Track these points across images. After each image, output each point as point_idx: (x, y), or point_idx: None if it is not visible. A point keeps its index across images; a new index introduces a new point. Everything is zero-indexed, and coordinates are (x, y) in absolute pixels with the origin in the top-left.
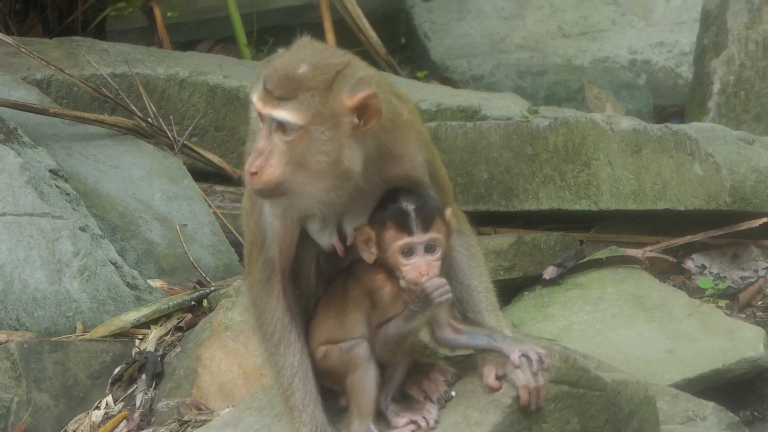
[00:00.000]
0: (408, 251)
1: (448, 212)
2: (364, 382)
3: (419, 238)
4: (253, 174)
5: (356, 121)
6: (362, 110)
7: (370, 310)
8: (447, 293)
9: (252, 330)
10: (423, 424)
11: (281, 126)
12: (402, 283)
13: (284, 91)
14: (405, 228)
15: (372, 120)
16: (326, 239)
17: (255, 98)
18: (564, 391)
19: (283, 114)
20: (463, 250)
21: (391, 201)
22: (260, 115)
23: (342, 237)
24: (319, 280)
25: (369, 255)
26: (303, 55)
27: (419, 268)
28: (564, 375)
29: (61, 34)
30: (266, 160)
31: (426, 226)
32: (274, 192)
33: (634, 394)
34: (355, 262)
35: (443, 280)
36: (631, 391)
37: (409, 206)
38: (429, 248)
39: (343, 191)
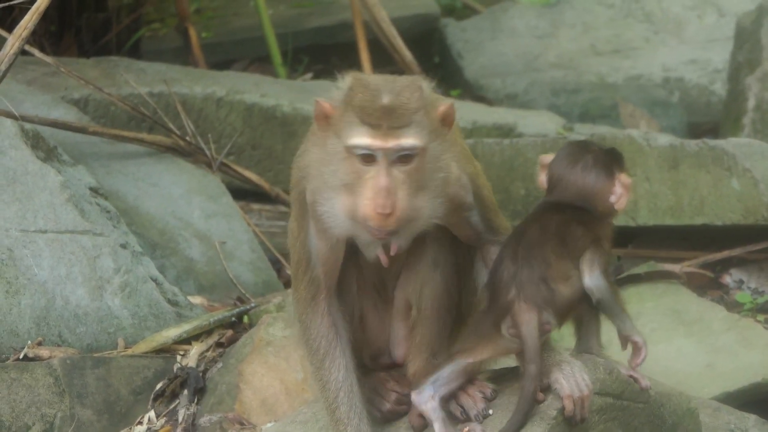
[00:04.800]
0: None
1: None
2: None
3: None
4: (388, 215)
5: (444, 129)
6: (445, 118)
7: None
8: None
9: (299, 344)
10: None
11: (403, 156)
12: None
13: (398, 121)
14: None
15: (450, 125)
16: (371, 250)
17: (365, 140)
18: (608, 403)
19: (409, 141)
20: None
21: None
22: (374, 155)
23: (386, 247)
24: (362, 290)
25: None
26: (378, 86)
27: None
28: (608, 387)
29: (96, 55)
30: (394, 197)
31: None
32: (406, 226)
33: (677, 407)
34: None
35: None
36: (674, 403)
37: None
38: None
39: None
